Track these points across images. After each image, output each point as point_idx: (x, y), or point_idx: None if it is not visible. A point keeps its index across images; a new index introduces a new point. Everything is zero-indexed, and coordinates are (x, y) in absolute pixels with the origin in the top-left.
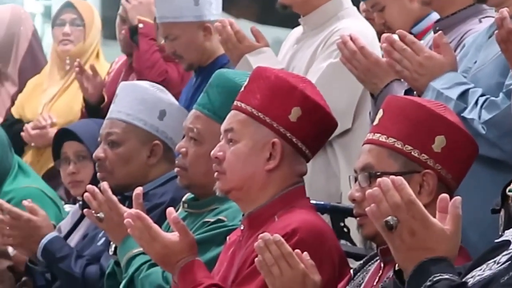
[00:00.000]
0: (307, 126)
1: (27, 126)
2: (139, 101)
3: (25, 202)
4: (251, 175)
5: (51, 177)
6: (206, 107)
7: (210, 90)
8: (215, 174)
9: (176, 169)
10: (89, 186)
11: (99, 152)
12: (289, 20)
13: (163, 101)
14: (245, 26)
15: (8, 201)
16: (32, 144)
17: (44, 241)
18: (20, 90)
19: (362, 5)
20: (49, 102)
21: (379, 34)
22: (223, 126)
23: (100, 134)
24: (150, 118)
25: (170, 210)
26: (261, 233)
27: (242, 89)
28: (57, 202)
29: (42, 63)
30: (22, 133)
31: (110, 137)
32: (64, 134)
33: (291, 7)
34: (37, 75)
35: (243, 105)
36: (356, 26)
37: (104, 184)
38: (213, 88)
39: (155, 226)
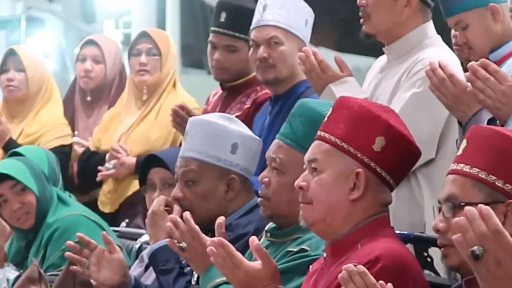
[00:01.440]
0: (391, 155)
1: (102, 168)
2: (209, 137)
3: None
4: (335, 205)
5: (129, 205)
6: (288, 137)
7: (292, 120)
8: (301, 205)
9: (259, 200)
10: (171, 216)
11: (177, 192)
12: (368, 48)
13: (234, 134)
14: (324, 54)
15: (53, 232)
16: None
17: (155, 246)
18: None
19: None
20: (126, 132)
21: (465, 62)
22: (306, 156)
23: (176, 173)
24: (223, 153)
25: (253, 238)
26: (344, 260)
27: (326, 119)
28: (102, 224)
29: None
30: (100, 168)
31: (185, 176)
32: (152, 160)
33: (375, 36)
34: (112, 107)
35: (326, 135)
36: (440, 55)
37: (187, 214)
38: (296, 118)
39: (238, 254)
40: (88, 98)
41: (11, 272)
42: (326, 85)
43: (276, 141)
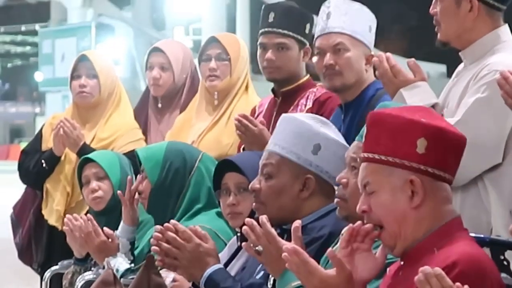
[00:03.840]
0: (437, 152)
1: None
2: (294, 134)
3: (192, 227)
4: (402, 218)
5: None
6: None
7: None
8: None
9: (335, 200)
10: (248, 220)
11: (255, 183)
12: (436, 55)
13: (319, 135)
14: (397, 61)
15: None
16: None
17: (209, 270)
18: None
19: None
20: (198, 138)
21: None
22: (359, 182)
23: (260, 165)
24: (304, 152)
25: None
26: (421, 266)
27: (363, 139)
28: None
29: None
30: None
31: (265, 169)
32: (226, 165)
33: (449, 43)
34: (184, 111)
35: (370, 155)
36: (507, 61)
37: (263, 218)
38: None
39: (312, 261)
40: (159, 105)
41: (122, 264)
42: (397, 89)
43: (356, 142)
